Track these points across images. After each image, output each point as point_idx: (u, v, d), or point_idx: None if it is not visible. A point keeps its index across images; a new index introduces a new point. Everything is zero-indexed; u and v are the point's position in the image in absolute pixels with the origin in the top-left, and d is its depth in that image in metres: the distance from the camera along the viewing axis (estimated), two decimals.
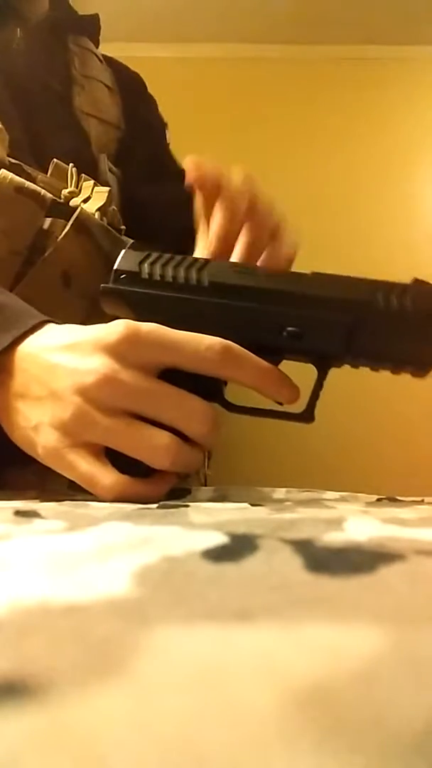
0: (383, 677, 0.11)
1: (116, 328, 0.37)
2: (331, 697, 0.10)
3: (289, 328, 0.39)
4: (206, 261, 0.41)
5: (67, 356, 0.37)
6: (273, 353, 0.39)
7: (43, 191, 0.53)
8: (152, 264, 0.41)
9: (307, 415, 0.40)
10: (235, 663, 0.11)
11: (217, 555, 0.19)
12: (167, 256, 0.41)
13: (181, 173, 0.81)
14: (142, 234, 0.67)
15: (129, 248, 0.42)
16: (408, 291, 0.39)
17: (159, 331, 0.37)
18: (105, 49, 0.81)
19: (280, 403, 0.41)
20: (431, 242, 1.61)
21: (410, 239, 1.63)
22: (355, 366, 0.40)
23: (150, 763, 0.08)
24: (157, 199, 0.74)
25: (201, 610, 0.14)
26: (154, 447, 0.36)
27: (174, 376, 0.37)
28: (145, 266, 0.41)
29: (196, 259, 0.41)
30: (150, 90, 0.86)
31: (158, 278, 0.40)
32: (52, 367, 0.37)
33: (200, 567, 0.18)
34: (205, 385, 0.38)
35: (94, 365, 0.36)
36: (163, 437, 0.36)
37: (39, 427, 0.37)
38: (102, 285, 0.41)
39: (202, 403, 0.37)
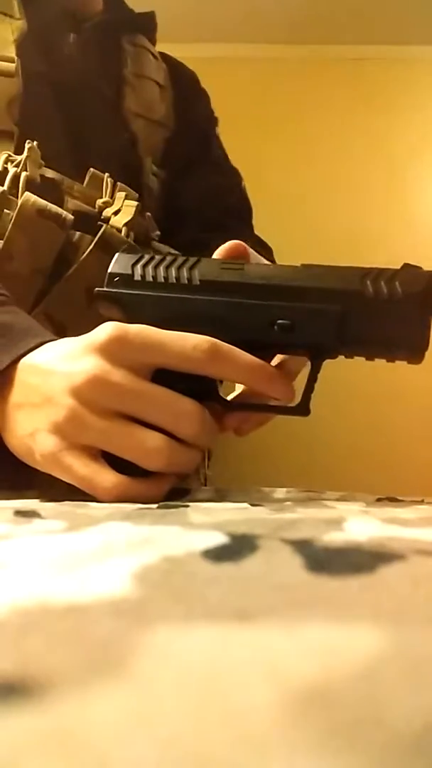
0: (383, 677, 0.11)
1: (105, 330, 0.37)
2: (331, 697, 0.10)
3: (280, 322, 0.38)
4: (197, 260, 0.41)
5: (61, 362, 0.38)
6: (265, 348, 0.39)
7: (64, 213, 0.55)
8: (144, 266, 0.41)
9: (302, 409, 0.39)
10: (235, 663, 0.11)
11: (217, 555, 0.19)
12: (159, 257, 0.41)
13: (222, 167, 0.80)
14: (172, 229, 0.68)
15: (122, 252, 0.42)
16: (397, 276, 0.38)
17: (146, 332, 0.37)
18: None
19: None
20: (430, 242, 1.61)
21: (410, 238, 1.63)
22: (349, 356, 0.40)
23: (150, 763, 0.08)
24: (188, 193, 0.74)
25: (201, 610, 0.14)
26: (146, 449, 0.36)
27: (167, 376, 0.37)
28: (138, 268, 0.41)
29: (187, 259, 0.41)
30: None
31: (150, 279, 0.41)
32: (47, 374, 0.38)
33: (200, 567, 0.18)
34: (198, 384, 0.38)
35: (85, 366, 0.36)
36: (156, 439, 0.36)
37: (35, 434, 0.38)
38: (96, 289, 0.42)
39: (192, 404, 0.37)
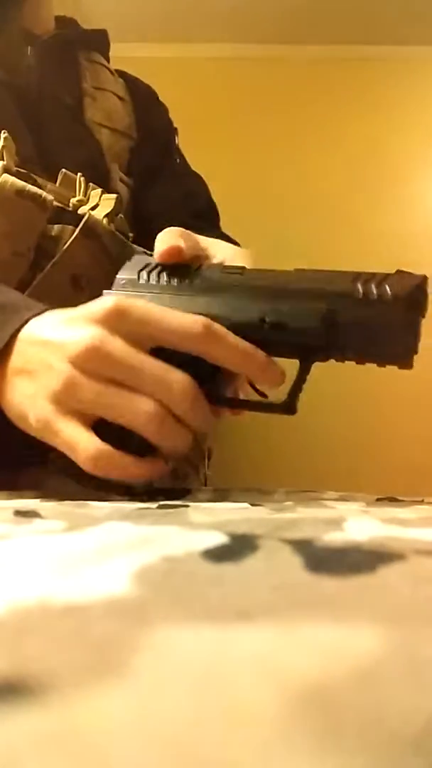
0: (383, 677, 0.11)
1: (106, 301, 0.38)
2: (331, 697, 0.10)
3: (269, 320, 0.39)
4: (199, 266, 0.43)
5: (60, 331, 0.39)
6: (257, 345, 0.40)
7: (44, 194, 0.55)
8: (150, 271, 0.44)
9: (288, 406, 0.40)
10: (235, 663, 0.11)
11: (217, 555, 0.19)
12: (165, 264, 0.44)
13: (186, 173, 0.83)
14: (141, 234, 0.69)
15: (131, 260, 0.45)
16: (387, 279, 0.39)
17: (146, 306, 0.38)
18: None
19: (265, 397, 0.42)
20: (430, 241, 1.61)
21: (409, 238, 1.63)
22: (339, 359, 0.40)
23: (150, 762, 0.08)
24: (155, 200, 0.76)
25: (201, 610, 0.14)
26: (138, 412, 0.36)
27: (165, 358, 0.38)
28: (143, 273, 0.44)
29: (190, 266, 0.43)
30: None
31: (154, 282, 0.43)
32: (45, 343, 0.39)
33: (200, 567, 0.18)
34: (195, 370, 0.38)
35: (84, 335, 0.37)
36: (149, 404, 0.37)
37: (32, 400, 0.38)
38: (104, 291, 0.43)
39: (185, 378, 0.37)
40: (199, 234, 0.49)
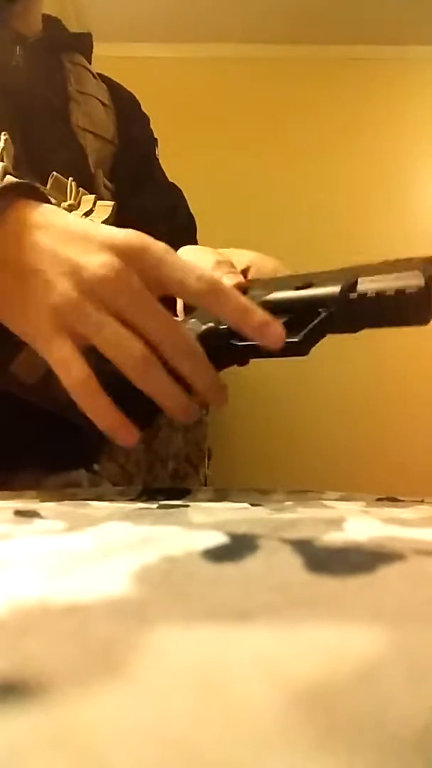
0: (383, 677, 0.11)
1: (130, 234, 0.38)
2: (330, 697, 0.10)
3: (300, 285, 0.41)
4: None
5: (73, 248, 0.38)
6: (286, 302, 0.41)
7: (46, 195, 0.54)
8: None
9: (299, 347, 0.39)
10: (235, 663, 0.11)
11: (217, 555, 0.19)
12: None
13: (167, 186, 0.84)
14: None
15: None
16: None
17: (165, 250, 0.38)
18: (105, 49, 0.81)
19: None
20: (429, 241, 1.61)
21: (408, 238, 1.63)
22: (359, 321, 0.40)
23: (150, 762, 0.08)
24: (138, 211, 0.76)
25: (201, 610, 0.14)
26: (130, 349, 0.36)
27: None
28: None
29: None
30: (149, 90, 0.87)
31: None
32: (53, 254, 0.38)
33: (200, 567, 0.18)
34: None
35: (102, 263, 0.37)
36: (143, 347, 0.36)
37: (31, 305, 0.38)
38: None
39: (188, 334, 0.38)
40: (179, 247, 0.49)
